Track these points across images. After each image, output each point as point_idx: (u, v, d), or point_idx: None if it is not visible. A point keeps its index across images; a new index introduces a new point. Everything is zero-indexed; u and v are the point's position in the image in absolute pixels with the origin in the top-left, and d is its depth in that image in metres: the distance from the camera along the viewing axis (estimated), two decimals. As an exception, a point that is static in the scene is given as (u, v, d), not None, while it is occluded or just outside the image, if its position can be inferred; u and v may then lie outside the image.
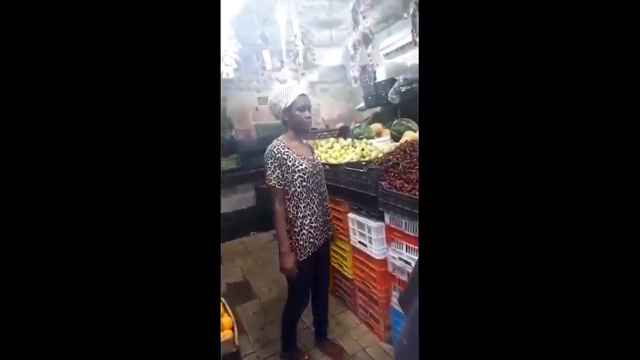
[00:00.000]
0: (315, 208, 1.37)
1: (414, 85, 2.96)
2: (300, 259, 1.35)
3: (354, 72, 2.44)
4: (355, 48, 2.31)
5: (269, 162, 1.31)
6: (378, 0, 2.83)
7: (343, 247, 1.87)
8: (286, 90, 1.32)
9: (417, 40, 2.87)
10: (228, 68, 2.39)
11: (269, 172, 1.31)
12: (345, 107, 4.74)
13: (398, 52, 3.51)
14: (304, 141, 1.49)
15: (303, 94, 1.31)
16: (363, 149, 2.07)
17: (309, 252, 1.36)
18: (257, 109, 4.55)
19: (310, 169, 1.34)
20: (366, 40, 2.36)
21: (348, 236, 1.81)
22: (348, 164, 1.82)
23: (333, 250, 1.90)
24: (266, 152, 1.33)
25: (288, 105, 1.29)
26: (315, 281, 1.51)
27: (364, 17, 2.29)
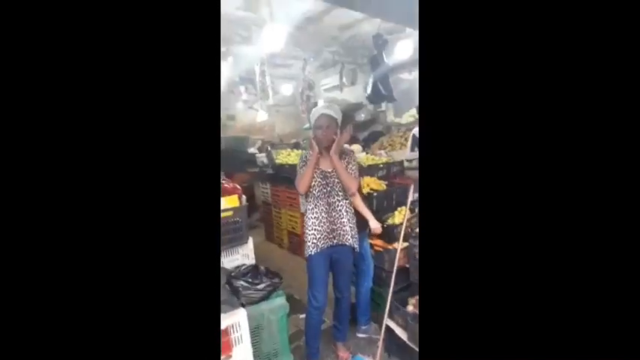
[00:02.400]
0: (319, 215, 1.57)
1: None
2: (305, 255, 1.59)
3: (302, 106, 3.70)
4: (302, 92, 3.58)
5: (298, 166, 1.64)
6: (317, 57, 4.16)
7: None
8: (312, 113, 1.60)
9: (344, 85, 4.26)
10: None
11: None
12: (294, 126, 6.00)
13: (332, 89, 4.90)
14: (344, 151, 1.67)
15: (323, 114, 1.55)
16: (308, 156, 3.32)
17: (311, 251, 1.56)
18: (225, 124, 5.54)
19: (319, 180, 1.57)
20: (310, 86, 3.65)
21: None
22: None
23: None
24: None
25: (312, 124, 1.60)
26: (334, 287, 1.71)
27: (309, 72, 3.58)
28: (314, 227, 1.56)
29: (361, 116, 4.38)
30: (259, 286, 1.52)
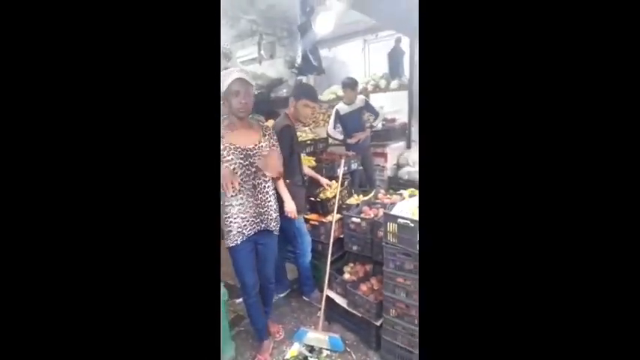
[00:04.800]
0: (244, 200, 1.35)
1: (262, 90, 4.13)
2: (229, 245, 1.37)
3: (218, 78, 3.38)
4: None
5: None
6: (234, 24, 3.80)
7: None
8: (223, 75, 1.26)
9: (262, 57, 4.02)
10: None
11: None
12: (208, 101, 5.45)
13: (251, 62, 4.58)
14: (257, 125, 1.43)
15: (240, 79, 1.25)
16: (229, 134, 3.07)
17: (236, 240, 1.36)
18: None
19: (239, 161, 1.31)
20: (227, 56, 3.32)
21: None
22: (220, 143, 2.75)
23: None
24: None
25: (224, 90, 1.25)
26: (258, 272, 1.51)
27: (225, 41, 3.24)
28: (239, 214, 1.35)
29: (283, 92, 4.25)
30: (191, 277, 1.36)
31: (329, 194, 2.15)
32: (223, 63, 3.22)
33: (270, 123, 3.10)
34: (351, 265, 1.92)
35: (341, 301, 1.75)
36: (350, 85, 2.90)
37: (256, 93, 4.17)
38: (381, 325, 1.52)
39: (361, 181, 2.99)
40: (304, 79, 4.09)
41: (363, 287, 1.68)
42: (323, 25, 2.92)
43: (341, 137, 3.06)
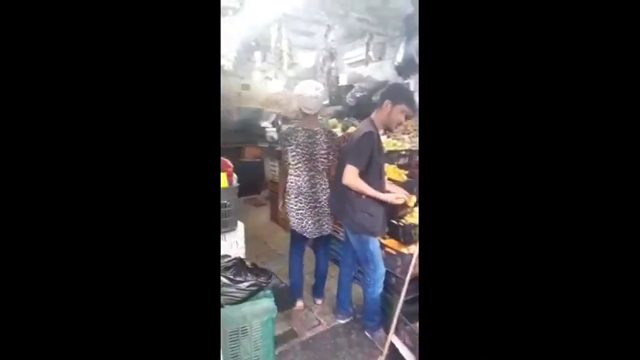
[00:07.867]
0: None
1: (365, 93, 3.94)
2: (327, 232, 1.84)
3: (322, 79, 3.33)
4: (324, 62, 3.19)
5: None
6: (343, 23, 3.72)
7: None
8: (323, 87, 1.74)
9: (369, 59, 3.82)
10: (228, 62, 3.15)
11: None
12: (314, 101, 5.61)
13: (357, 63, 4.45)
14: None
15: None
16: (322, 135, 3.00)
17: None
18: (239, 94, 5.24)
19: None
20: (332, 56, 3.25)
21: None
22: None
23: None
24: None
25: (319, 109, 1.82)
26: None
27: (332, 40, 3.18)
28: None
29: (386, 95, 3.96)
30: (242, 285, 1.28)
31: (416, 219, 1.80)
32: (327, 63, 3.16)
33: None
34: (430, 312, 1.54)
35: (407, 355, 1.41)
36: None
37: (358, 96, 4.04)
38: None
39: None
40: (411, 81, 3.70)
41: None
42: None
43: None
